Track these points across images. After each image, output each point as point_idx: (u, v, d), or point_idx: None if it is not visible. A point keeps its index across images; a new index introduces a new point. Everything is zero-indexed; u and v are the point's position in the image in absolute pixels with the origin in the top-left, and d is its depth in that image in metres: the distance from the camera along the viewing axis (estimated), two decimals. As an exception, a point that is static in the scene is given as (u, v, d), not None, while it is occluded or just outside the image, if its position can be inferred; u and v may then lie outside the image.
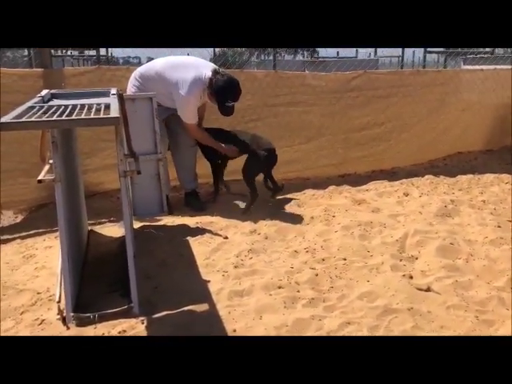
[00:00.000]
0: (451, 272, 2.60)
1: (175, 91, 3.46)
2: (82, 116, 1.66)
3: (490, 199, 3.88)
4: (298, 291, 2.42)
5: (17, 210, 3.90)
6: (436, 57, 14.01)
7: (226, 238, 3.14)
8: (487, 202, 3.82)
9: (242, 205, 3.81)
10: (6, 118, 1.56)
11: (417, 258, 2.82)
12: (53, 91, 2.49)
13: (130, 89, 3.60)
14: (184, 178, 3.86)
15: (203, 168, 3.95)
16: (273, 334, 2.06)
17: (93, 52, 11.79)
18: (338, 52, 14.76)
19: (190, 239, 3.12)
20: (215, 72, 3.48)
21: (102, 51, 11.96)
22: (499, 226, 3.22)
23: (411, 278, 2.56)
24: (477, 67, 5.90)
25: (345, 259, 2.78)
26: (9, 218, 3.87)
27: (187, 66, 3.54)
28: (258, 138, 3.75)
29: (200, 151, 3.85)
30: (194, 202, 3.83)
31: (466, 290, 2.44)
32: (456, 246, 2.92)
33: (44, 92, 2.34)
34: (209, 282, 2.54)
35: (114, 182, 3.65)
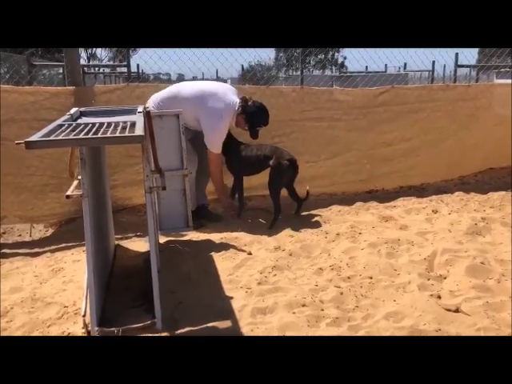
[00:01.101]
0: (482, 293, 2.52)
1: (205, 120, 3.58)
2: (108, 134, 1.70)
3: (523, 217, 3.75)
4: (322, 310, 2.39)
5: (47, 223, 4.01)
6: (468, 71, 13.79)
7: (250, 253, 3.14)
8: (521, 219, 3.69)
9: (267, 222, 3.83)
10: (35, 137, 1.61)
11: (445, 278, 2.74)
12: (82, 109, 2.56)
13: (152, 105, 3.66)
14: (199, 194, 3.90)
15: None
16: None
17: (124, 69, 12.10)
18: (366, 67, 14.67)
19: (215, 254, 3.13)
20: (244, 99, 3.68)
21: (133, 67, 12.29)
22: (533, 246, 3.10)
23: (439, 298, 2.49)
24: (509, 81, 5.76)
25: (371, 278, 2.73)
26: (40, 231, 3.99)
27: (215, 94, 3.65)
28: (278, 149, 3.82)
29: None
30: (209, 215, 3.90)
31: (497, 312, 2.34)
32: (487, 266, 2.82)
33: (73, 110, 2.41)
34: (232, 298, 2.53)
35: (142, 197, 3.71)
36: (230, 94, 3.70)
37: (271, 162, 3.73)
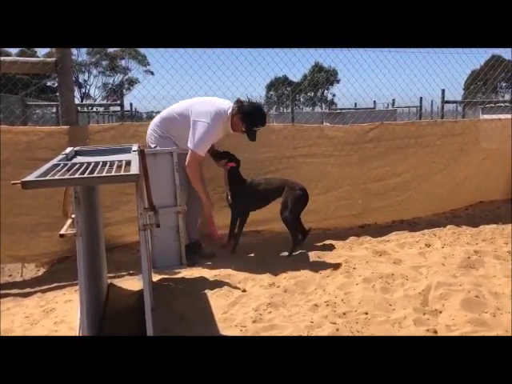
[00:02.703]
0: (478, 327, 2.50)
1: (195, 120, 3.57)
2: (104, 173, 1.72)
3: (515, 250, 3.77)
4: (318, 347, 2.35)
5: (39, 263, 3.96)
6: (454, 106, 14.15)
7: (245, 291, 3.11)
8: (513, 252, 3.71)
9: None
10: (31, 176, 1.63)
11: (441, 312, 2.72)
12: (76, 148, 2.59)
13: (151, 135, 3.73)
14: (192, 229, 3.86)
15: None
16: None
17: (117, 108, 12.28)
18: (355, 103, 15.02)
19: (208, 292, 3.10)
20: (239, 101, 3.66)
21: (126, 106, 12.48)
22: (526, 278, 3.11)
23: (435, 333, 2.47)
24: (494, 116, 5.92)
25: (366, 313, 2.71)
26: (31, 271, 3.94)
27: (210, 102, 3.70)
28: (287, 180, 3.93)
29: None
30: (202, 252, 3.87)
31: (494, 347, 2.33)
32: (482, 299, 2.82)
33: (68, 150, 2.44)
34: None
35: (135, 235, 3.71)
36: (222, 102, 3.72)
37: (285, 193, 3.81)
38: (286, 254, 3.85)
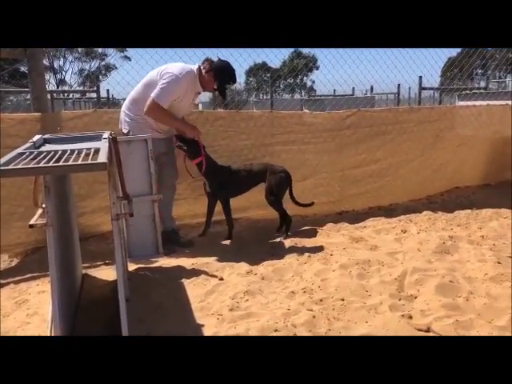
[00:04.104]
0: (451, 311, 2.54)
1: (162, 73, 3.50)
2: (70, 162, 1.66)
3: (489, 234, 3.83)
4: (295, 334, 2.36)
5: (12, 253, 3.87)
6: (431, 93, 14.27)
7: (222, 279, 3.10)
8: (486, 237, 3.78)
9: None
10: (-8, 166, 1.56)
11: (416, 297, 2.76)
12: (46, 136, 2.51)
13: (124, 120, 3.65)
14: (165, 216, 3.78)
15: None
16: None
17: (94, 94, 12.03)
18: (334, 90, 15.04)
19: (185, 281, 3.08)
20: (208, 59, 3.62)
21: (103, 93, 12.24)
22: (499, 262, 3.16)
23: (410, 318, 2.50)
24: (469, 103, 5.98)
25: (343, 299, 2.73)
26: (4, 261, 3.84)
27: (174, 64, 3.63)
28: (268, 164, 3.99)
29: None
30: (177, 239, 3.82)
31: (467, 330, 2.37)
32: (456, 284, 2.86)
33: (36, 137, 2.36)
34: (203, 326, 2.48)
35: (110, 224, 3.64)
36: (190, 65, 3.67)
37: (268, 177, 3.85)
38: (283, 236, 3.92)
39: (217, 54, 3.74)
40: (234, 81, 3.75)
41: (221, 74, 3.59)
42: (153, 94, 3.46)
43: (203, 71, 3.62)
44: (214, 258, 3.49)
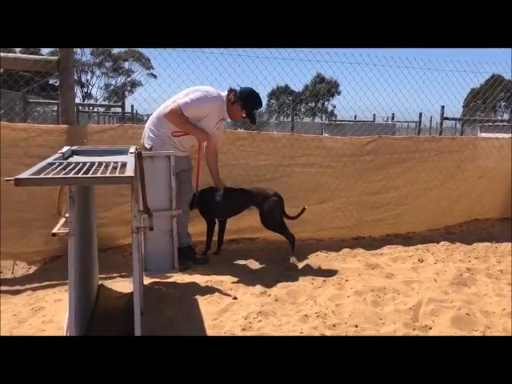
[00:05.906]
0: (467, 345, 2.50)
1: (193, 91, 3.64)
2: (98, 174, 1.72)
3: (507, 269, 3.78)
4: (306, 358, 2.34)
5: (31, 260, 3.94)
6: (453, 123, 14.22)
7: (236, 298, 3.10)
8: (505, 271, 3.72)
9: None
10: (25, 174, 1.62)
11: (431, 328, 2.72)
12: (74, 148, 2.58)
13: (148, 136, 3.72)
14: (182, 232, 3.79)
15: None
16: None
17: (118, 109, 12.30)
18: (355, 116, 15.08)
19: (199, 298, 3.09)
20: (232, 89, 3.76)
21: (128, 108, 12.50)
22: (518, 298, 3.11)
23: (425, 349, 2.46)
24: (491, 135, 5.94)
25: (356, 326, 2.71)
26: (22, 268, 3.90)
27: (200, 88, 3.73)
28: (260, 188, 3.97)
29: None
30: (193, 256, 3.84)
31: (482, 365, 2.32)
32: (472, 317, 2.82)
33: (65, 148, 2.44)
34: (215, 343, 2.48)
35: (128, 237, 3.70)
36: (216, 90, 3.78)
37: (260, 204, 3.82)
38: (294, 258, 3.92)
39: (237, 83, 3.89)
40: (261, 105, 3.91)
41: (249, 103, 3.75)
42: (179, 101, 3.60)
43: (230, 101, 3.74)
44: (229, 276, 3.49)
